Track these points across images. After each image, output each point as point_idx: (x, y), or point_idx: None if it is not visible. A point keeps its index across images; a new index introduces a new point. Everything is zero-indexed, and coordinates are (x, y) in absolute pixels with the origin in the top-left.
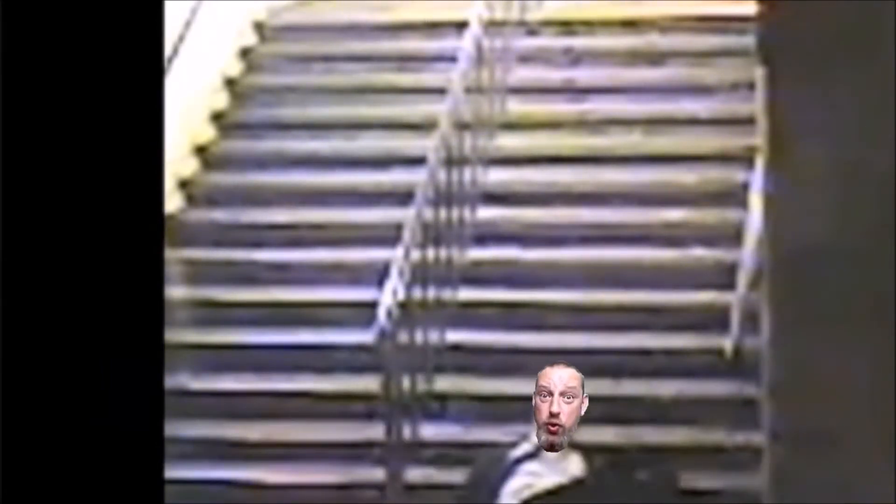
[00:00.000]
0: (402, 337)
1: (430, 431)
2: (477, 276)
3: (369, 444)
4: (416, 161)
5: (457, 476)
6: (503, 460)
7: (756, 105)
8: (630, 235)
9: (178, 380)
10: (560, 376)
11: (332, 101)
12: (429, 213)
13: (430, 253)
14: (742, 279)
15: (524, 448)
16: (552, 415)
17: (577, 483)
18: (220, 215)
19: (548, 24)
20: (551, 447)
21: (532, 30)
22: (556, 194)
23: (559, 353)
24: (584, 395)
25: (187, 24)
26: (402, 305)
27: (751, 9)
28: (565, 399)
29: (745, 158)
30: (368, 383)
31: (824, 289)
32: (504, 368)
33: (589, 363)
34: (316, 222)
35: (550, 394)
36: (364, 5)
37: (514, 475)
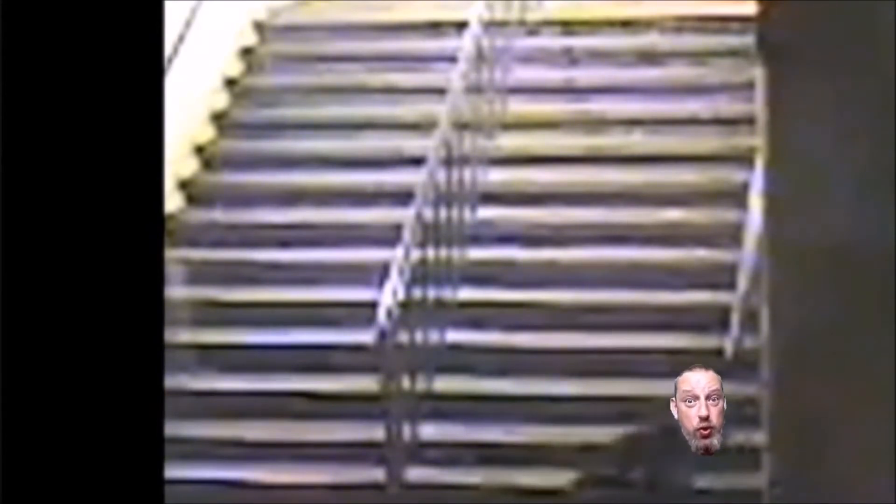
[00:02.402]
0: (402, 337)
1: (430, 431)
2: (477, 276)
3: (369, 444)
4: (416, 161)
5: (457, 476)
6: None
7: (756, 105)
8: (630, 235)
9: (178, 380)
10: (703, 379)
11: (332, 101)
12: (429, 213)
13: (430, 253)
14: (742, 279)
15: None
16: (702, 419)
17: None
18: (220, 215)
19: (548, 24)
20: (707, 451)
21: (532, 30)
22: (555, 194)
23: (559, 353)
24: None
25: (187, 24)
26: (403, 305)
27: (751, 9)
28: (711, 401)
29: (745, 158)
30: (368, 383)
31: (824, 288)
32: (504, 368)
33: (588, 363)
34: (316, 222)
35: (696, 398)
36: (364, 5)
37: None
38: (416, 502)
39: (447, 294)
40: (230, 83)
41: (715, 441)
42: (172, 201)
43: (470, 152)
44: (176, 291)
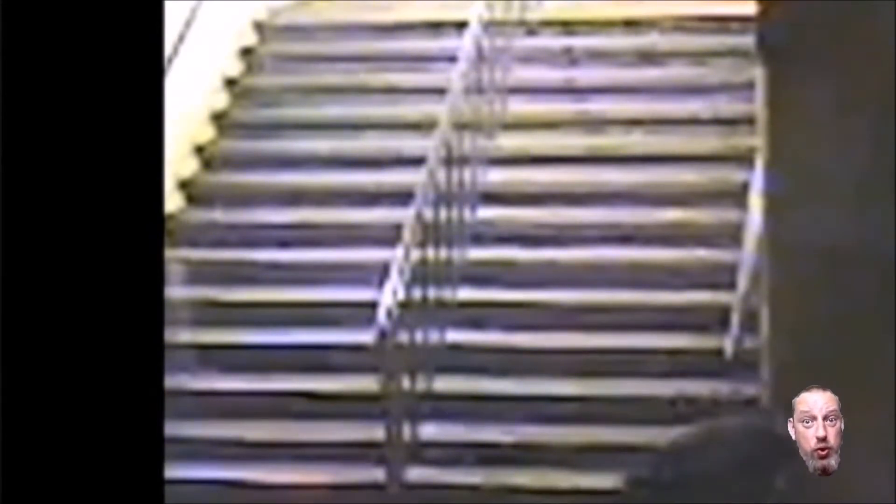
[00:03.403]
0: (402, 337)
1: (430, 431)
2: (477, 276)
3: (369, 444)
4: (416, 161)
5: (457, 476)
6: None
7: (756, 105)
8: (630, 235)
9: (178, 380)
10: (820, 400)
11: (332, 101)
12: (429, 213)
13: (430, 253)
14: (742, 279)
15: None
16: (819, 439)
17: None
18: (220, 215)
19: (548, 24)
20: (824, 471)
21: (532, 30)
22: (555, 194)
23: (559, 353)
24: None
25: (187, 24)
26: (402, 305)
27: (751, 9)
28: (829, 422)
29: (745, 158)
30: (368, 383)
31: (824, 288)
32: (504, 368)
33: (588, 363)
34: (316, 222)
35: (813, 419)
36: (364, 5)
37: None
38: (416, 502)
39: (447, 294)
40: (230, 83)
41: (832, 462)
42: (172, 201)
43: (470, 152)
44: (176, 291)
